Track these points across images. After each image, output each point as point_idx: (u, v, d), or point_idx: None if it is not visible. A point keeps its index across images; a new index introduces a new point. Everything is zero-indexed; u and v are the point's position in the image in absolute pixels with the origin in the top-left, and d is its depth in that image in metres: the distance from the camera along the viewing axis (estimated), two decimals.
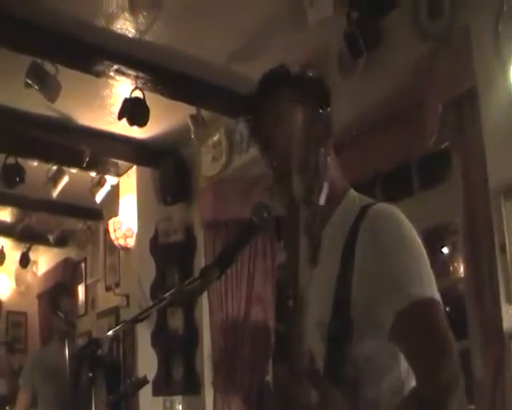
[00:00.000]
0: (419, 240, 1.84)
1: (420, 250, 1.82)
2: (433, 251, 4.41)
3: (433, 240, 4.34)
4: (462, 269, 3.98)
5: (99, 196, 6.72)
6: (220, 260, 2.02)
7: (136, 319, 2.34)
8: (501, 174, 3.45)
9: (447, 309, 4.31)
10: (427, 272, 1.77)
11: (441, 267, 4.39)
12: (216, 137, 5.79)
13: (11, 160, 5.99)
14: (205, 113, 5.53)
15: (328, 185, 1.99)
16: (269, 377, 4.97)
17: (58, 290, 5.65)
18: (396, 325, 1.70)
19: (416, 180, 4.41)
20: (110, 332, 2.39)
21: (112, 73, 4.74)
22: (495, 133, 3.49)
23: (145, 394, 6.01)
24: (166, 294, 2.20)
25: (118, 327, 2.45)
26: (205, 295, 5.81)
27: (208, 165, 5.90)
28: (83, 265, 8.41)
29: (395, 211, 1.88)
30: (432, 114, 3.69)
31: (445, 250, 4.44)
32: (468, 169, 3.62)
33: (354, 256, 1.80)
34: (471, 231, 3.61)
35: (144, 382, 4.85)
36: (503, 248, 3.47)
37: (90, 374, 2.47)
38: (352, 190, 2.04)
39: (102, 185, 6.70)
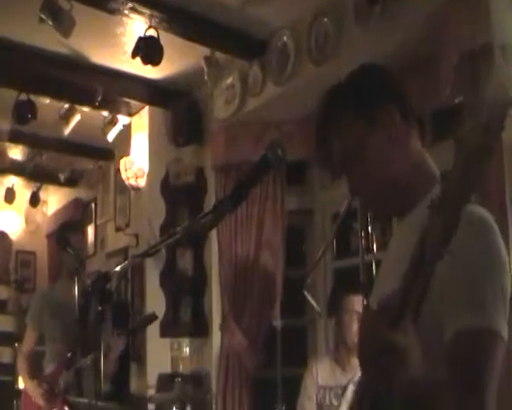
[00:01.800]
0: (505, 255, 1.78)
1: (506, 278, 1.76)
2: None
3: None
4: None
5: (111, 136, 6.69)
6: (233, 194, 2.02)
7: (146, 254, 2.33)
8: None
9: None
10: (504, 306, 1.72)
11: None
12: (229, 80, 5.73)
13: (23, 96, 5.95)
14: (219, 55, 5.47)
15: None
16: (276, 323, 4.98)
17: (67, 227, 5.63)
18: (453, 340, 1.68)
19: (429, 133, 4.36)
20: (119, 267, 2.38)
21: (126, 11, 4.68)
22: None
23: (152, 335, 6.06)
24: (178, 228, 2.19)
25: (127, 262, 2.44)
26: (214, 237, 5.83)
27: (221, 107, 5.85)
28: (93, 205, 8.40)
29: (489, 219, 1.82)
30: (446, 67, 3.63)
31: None
32: None
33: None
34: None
35: (153, 318, 4.88)
36: None
37: (99, 308, 2.46)
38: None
39: (114, 124, 6.67)
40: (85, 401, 4.49)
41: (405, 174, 1.98)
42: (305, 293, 4.52)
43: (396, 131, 1.98)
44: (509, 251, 1.78)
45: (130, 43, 5.10)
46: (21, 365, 5.42)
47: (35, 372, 5.27)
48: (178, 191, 6.42)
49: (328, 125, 2.03)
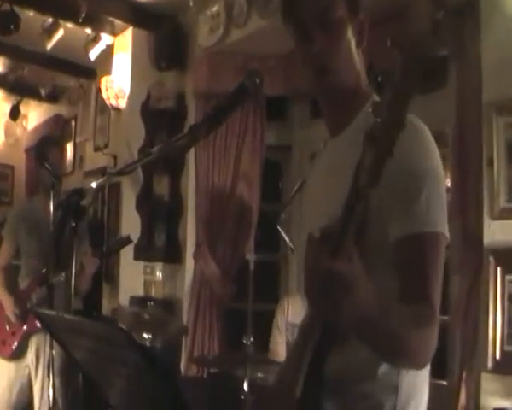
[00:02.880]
0: (439, 158, 1.85)
1: (443, 180, 1.83)
2: None
3: None
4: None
5: (93, 54, 6.61)
6: (208, 119, 2.04)
7: (121, 172, 2.33)
8: (495, 89, 3.45)
9: None
10: (444, 207, 1.80)
11: None
12: (215, 8, 5.66)
13: (6, 7, 5.85)
14: None
15: (350, 74, 1.95)
16: (250, 256, 5.02)
17: (46, 142, 5.56)
18: (403, 245, 1.75)
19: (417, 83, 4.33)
20: (94, 183, 2.37)
21: None
22: (493, 48, 3.46)
23: (126, 257, 6.10)
24: (154, 148, 2.19)
25: (102, 179, 2.43)
26: (192, 166, 5.83)
27: (205, 35, 5.79)
28: (73, 123, 8.34)
29: (425, 129, 1.87)
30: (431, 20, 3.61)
31: None
32: (464, 81, 3.60)
33: None
34: (460, 142, 3.62)
35: (127, 241, 4.91)
36: (490, 163, 3.51)
37: (74, 224, 2.45)
38: (375, 96, 1.98)
39: (97, 42, 6.58)
40: (54, 313, 4.51)
41: (356, 78, 1.99)
42: (279, 228, 4.55)
43: (359, 39, 1.99)
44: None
45: None
46: None
47: (10, 287, 5.27)
48: (158, 115, 6.39)
49: None
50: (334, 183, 1.87)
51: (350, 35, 1.95)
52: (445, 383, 3.74)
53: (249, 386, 4.08)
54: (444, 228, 1.78)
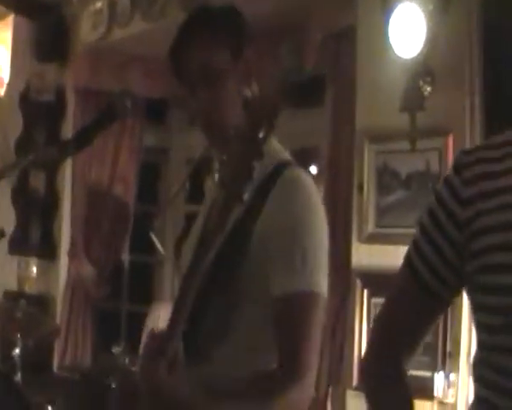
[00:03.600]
0: (323, 212, 1.88)
1: (323, 234, 1.86)
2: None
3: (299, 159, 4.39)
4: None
5: None
6: (77, 137, 2.08)
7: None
8: (368, 117, 3.53)
9: None
10: (321, 263, 1.83)
11: None
12: (98, 4, 5.58)
13: None
14: None
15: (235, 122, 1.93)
16: (124, 257, 5.01)
17: None
18: (276, 304, 1.78)
19: (291, 98, 4.39)
20: None
21: None
22: (368, 76, 3.54)
23: (0, 251, 5.97)
24: (29, 156, 2.22)
25: None
26: (69, 161, 5.74)
27: (87, 31, 5.68)
28: None
29: (309, 182, 1.89)
30: (311, 43, 3.69)
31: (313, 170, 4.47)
32: (338, 105, 3.69)
33: (256, 221, 1.81)
34: (333, 164, 3.70)
35: (1, 234, 4.82)
36: (360, 188, 3.60)
37: None
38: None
39: None
40: None
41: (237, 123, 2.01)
42: (152, 234, 4.56)
43: (247, 78, 2.01)
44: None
45: None
46: None
47: None
48: (37, 108, 6.23)
49: (195, 38, 2.01)
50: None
51: (234, 82, 1.98)
52: (314, 395, 3.84)
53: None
54: (321, 287, 1.81)
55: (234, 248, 1.79)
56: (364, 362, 1.74)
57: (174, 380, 1.61)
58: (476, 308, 1.51)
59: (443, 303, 1.63)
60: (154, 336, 1.71)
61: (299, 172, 1.90)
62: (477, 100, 3.37)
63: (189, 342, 1.70)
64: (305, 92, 4.33)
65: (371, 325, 3.61)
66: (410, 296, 1.61)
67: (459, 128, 3.34)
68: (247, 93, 1.93)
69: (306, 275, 1.78)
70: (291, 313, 1.78)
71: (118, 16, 5.38)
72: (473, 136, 3.35)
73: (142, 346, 4.67)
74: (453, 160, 1.61)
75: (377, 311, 3.57)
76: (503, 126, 1.55)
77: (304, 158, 4.49)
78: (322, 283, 1.82)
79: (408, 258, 1.61)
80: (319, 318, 1.81)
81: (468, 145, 3.27)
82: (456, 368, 3.31)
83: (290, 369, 1.76)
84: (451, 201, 1.50)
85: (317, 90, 4.14)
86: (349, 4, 3.60)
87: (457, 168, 1.53)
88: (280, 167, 1.87)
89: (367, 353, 1.76)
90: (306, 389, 1.81)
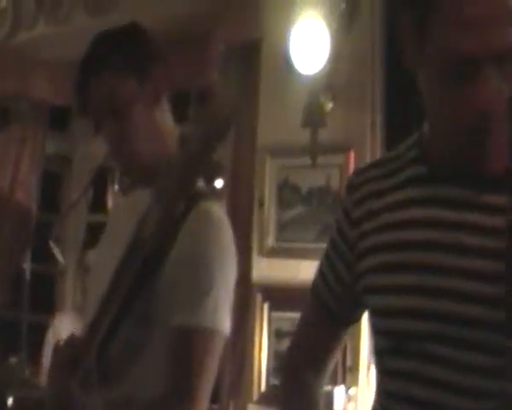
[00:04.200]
0: (233, 250, 1.86)
1: (230, 271, 1.84)
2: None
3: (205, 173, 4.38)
4: None
5: None
6: None
7: None
8: (270, 132, 3.54)
9: None
10: (225, 300, 1.80)
11: None
12: (3, 4, 5.44)
13: None
14: None
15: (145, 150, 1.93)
16: (26, 265, 4.91)
17: None
18: (176, 335, 1.75)
19: (194, 111, 4.37)
20: None
21: None
22: (271, 90, 3.55)
23: None
24: None
25: None
26: None
27: None
28: None
29: (222, 216, 1.87)
30: (214, 53, 3.67)
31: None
32: (241, 119, 3.67)
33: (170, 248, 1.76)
34: (235, 179, 3.70)
35: None
36: (261, 203, 3.60)
37: None
38: None
39: None
40: None
41: (153, 149, 1.95)
42: (51, 243, 4.47)
43: (157, 99, 1.97)
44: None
45: None
46: None
47: None
48: None
49: (96, 72, 1.94)
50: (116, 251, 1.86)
51: (143, 108, 1.94)
52: (216, 407, 3.82)
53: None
54: (223, 324, 1.78)
55: (147, 272, 1.75)
56: (281, 381, 1.78)
57: (85, 399, 1.59)
58: (370, 329, 1.53)
59: (348, 324, 1.65)
60: (61, 349, 1.68)
61: (213, 204, 1.87)
62: (378, 117, 3.42)
63: (100, 362, 1.68)
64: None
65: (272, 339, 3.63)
66: (316, 319, 1.64)
67: (360, 145, 3.38)
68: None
69: (209, 311, 1.75)
70: (187, 347, 1.75)
71: (22, 18, 5.25)
72: (373, 152, 3.39)
73: (45, 358, 4.58)
74: (346, 181, 1.62)
75: (278, 325, 3.60)
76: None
77: (210, 171, 4.48)
78: (224, 320, 1.79)
79: (313, 281, 1.62)
80: (217, 355, 1.79)
81: (368, 161, 3.32)
82: (356, 382, 3.34)
83: (181, 401, 1.74)
84: (345, 222, 1.52)
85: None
86: (256, 18, 3.60)
87: (349, 189, 1.54)
88: (196, 197, 1.84)
89: (282, 372, 1.84)
90: None
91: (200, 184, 1.89)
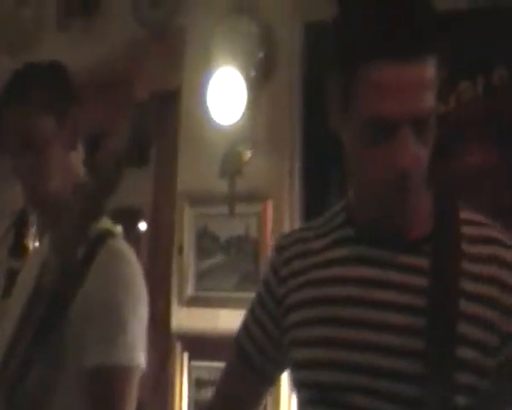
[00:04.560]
0: (141, 284, 1.86)
1: (140, 307, 1.83)
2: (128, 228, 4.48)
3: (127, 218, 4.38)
4: None
5: None
6: None
7: None
8: (189, 180, 3.55)
9: None
10: (138, 335, 1.79)
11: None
12: None
13: None
14: None
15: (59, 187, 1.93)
16: None
17: None
18: (92, 376, 1.74)
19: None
20: None
21: None
22: (190, 139, 3.56)
23: None
24: None
25: None
26: None
27: None
28: None
29: (129, 254, 1.88)
30: (135, 100, 3.66)
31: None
32: (161, 166, 3.67)
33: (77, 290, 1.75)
34: (155, 225, 3.69)
35: None
36: (180, 250, 3.59)
37: None
38: None
39: None
40: None
41: (64, 188, 1.93)
42: None
43: (73, 140, 1.98)
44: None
45: None
46: None
47: None
48: None
49: (15, 106, 1.94)
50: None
51: (59, 148, 1.93)
52: None
53: None
54: (138, 359, 1.78)
55: (54, 315, 1.72)
56: None
57: None
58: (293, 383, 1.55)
59: (270, 380, 1.69)
60: None
61: (121, 243, 1.88)
62: (296, 166, 3.44)
63: (10, 406, 1.67)
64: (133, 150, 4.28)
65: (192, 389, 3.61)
66: (239, 374, 1.66)
67: (278, 194, 3.39)
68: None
69: (126, 348, 1.75)
70: (106, 386, 1.74)
71: None
72: (291, 201, 3.40)
73: None
74: (275, 242, 1.72)
75: (197, 374, 3.57)
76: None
77: (133, 216, 4.45)
78: (138, 354, 1.79)
79: (237, 336, 1.65)
80: (134, 390, 1.79)
81: (286, 210, 3.35)
82: None
83: None
84: (273, 280, 1.57)
85: (144, 148, 4.10)
86: (178, 65, 3.61)
87: (278, 249, 1.60)
88: (103, 236, 1.83)
89: None
90: None
91: (107, 223, 1.89)
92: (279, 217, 3.38)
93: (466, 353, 1.33)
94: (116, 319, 1.76)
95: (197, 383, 3.60)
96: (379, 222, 1.41)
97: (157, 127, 3.73)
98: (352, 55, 1.31)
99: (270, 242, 3.30)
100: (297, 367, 1.50)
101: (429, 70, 1.29)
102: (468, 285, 1.36)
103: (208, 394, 3.53)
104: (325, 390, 1.42)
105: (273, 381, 1.70)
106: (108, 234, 1.87)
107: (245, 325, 1.64)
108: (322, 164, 3.35)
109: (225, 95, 3.35)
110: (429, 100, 1.29)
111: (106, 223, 1.94)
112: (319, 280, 1.47)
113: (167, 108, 3.68)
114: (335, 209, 1.57)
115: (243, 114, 3.35)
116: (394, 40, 1.26)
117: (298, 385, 1.52)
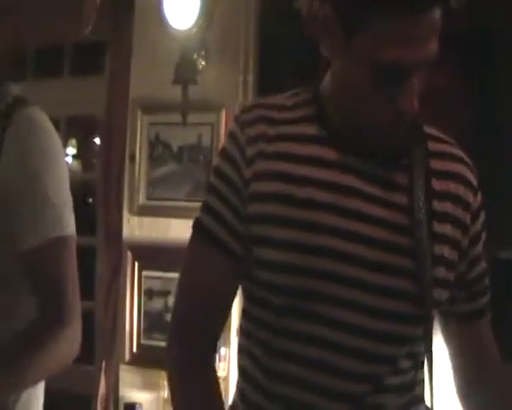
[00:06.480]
0: (61, 152, 1.80)
1: (63, 172, 1.76)
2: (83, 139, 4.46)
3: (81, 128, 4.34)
4: None
5: None
6: None
7: None
8: (143, 88, 3.50)
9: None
10: (65, 202, 1.73)
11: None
12: None
13: None
14: None
15: None
16: None
17: None
18: (29, 257, 1.67)
19: (68, 64, 4.23)
20: None
21: None
22: (144, 46, 3.51)
23: None
24: None
25: None
26: None
27: None
28: None
29: (45, 120, 1.77)
30: (89, 4, 3.58)
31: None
32: (114, 73, 3.63)
33: None
34: (107, 134, 3.65)
35: None
36: (132, 159, 3.57)
37: None
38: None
39: None
40: None
41: None
42: None
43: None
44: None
45: None
46: None
47: None
48: None
49: None
50: None
51: None
52: (91, 368, 3.77)
53: None
54: (69, 228, 1.72)
55: None
56: (168, 347, 1.57)
57: None
58: (256, 281, 1.48)
59: (241, 262, 1.51)
60: None
61: (35, 109, 1.77)
62: (251, 77, 3.42)
63: None
64: (86, 59, 4.21)
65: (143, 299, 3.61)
66: (211, 264, 1.51)
67: (232, 103, 3.36)
68: None
69: (53, 221, 1.68)
70: (46, 262, 1.68)
71: None
72: None
73: None
74: (236, 115, 1.57)
75: (148, 284, 3.57)
76: None
77: (88, 126, 4.40)
78: (69, 223, 1.72)
79: (200, 224, 1.51)
80: (73, 260, 1.72)
81: None
82: (227, 343, 3.36)
83: (58, 314, 1.66)
84: (240, 158, 1.48)
85: (98, 57, 4.03)
86: None
87: (242, 125, 1.50)
88: (15, 104, 1.74)
89: (171, 338, 1.58)
90: (77, 332, 1.70)
91: (17, 90, 1.82)
92: None
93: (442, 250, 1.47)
94: (40, 193, 1.68)
95: (148, 294, 3.60)
96: (362, 135, 1.45)
97: (111, 34, 3.68)
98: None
99: None
100: (263, 267, 1.45)
101: (438, 17, 1.33)
102: (438, 185, 1.49)
103: (159, 304, 3.56)
104: (294, 297, 1.41)
105: (242, 265, 1.49)
106: (19, 102, 1.77)
107: (207, 208, 1.50)
108: (276, 75, 3.35)
109: (180, 1, 3.31)
110: (436, 45, 1.35)
111: (16, 90, 1.86)
112: (289, 154, 1.47)
113: (122, 15, 3.64)
114: (299, 99, 1.54)
115: (198, 21, 3.31)
116: None
117: (264, 287, 1.46)
